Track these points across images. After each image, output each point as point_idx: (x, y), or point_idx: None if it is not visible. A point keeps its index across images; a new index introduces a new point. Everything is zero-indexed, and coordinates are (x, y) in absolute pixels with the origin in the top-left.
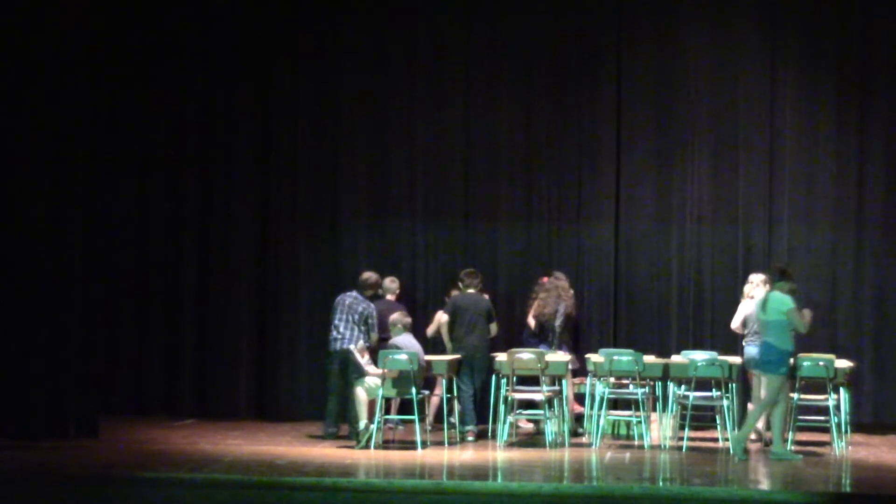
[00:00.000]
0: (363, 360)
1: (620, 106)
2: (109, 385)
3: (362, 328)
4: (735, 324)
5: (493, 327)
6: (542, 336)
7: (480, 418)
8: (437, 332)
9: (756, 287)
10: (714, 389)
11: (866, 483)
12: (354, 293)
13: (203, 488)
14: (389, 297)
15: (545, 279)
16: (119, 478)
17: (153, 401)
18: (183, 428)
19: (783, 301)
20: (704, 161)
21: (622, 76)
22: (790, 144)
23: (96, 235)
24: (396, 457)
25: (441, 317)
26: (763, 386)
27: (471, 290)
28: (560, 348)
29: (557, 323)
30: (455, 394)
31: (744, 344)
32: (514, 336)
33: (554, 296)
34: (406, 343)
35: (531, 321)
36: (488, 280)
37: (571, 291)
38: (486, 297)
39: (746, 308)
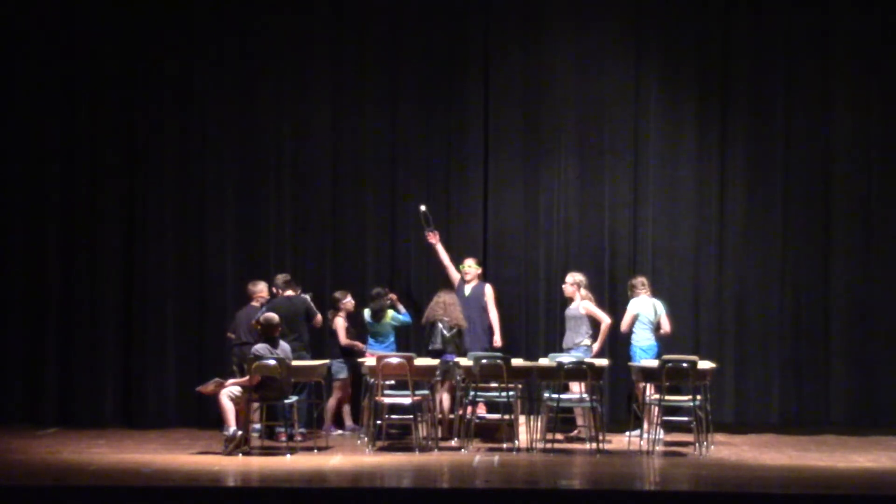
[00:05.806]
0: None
1: (488, 110)
2: None
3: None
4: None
5: (318, 319)
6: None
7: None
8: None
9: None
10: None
11: (728, 482)
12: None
13: (67, 498)
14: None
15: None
16: None
17: (14, 409)
18: (45, 437)
19: None
20: (571, 166)
21: (490, 79)
22: (653, 150)
23: None
24: (265, 462)
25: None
26: None
27: (289, 293)
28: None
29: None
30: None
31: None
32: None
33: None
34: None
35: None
36: (357, 284)
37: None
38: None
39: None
